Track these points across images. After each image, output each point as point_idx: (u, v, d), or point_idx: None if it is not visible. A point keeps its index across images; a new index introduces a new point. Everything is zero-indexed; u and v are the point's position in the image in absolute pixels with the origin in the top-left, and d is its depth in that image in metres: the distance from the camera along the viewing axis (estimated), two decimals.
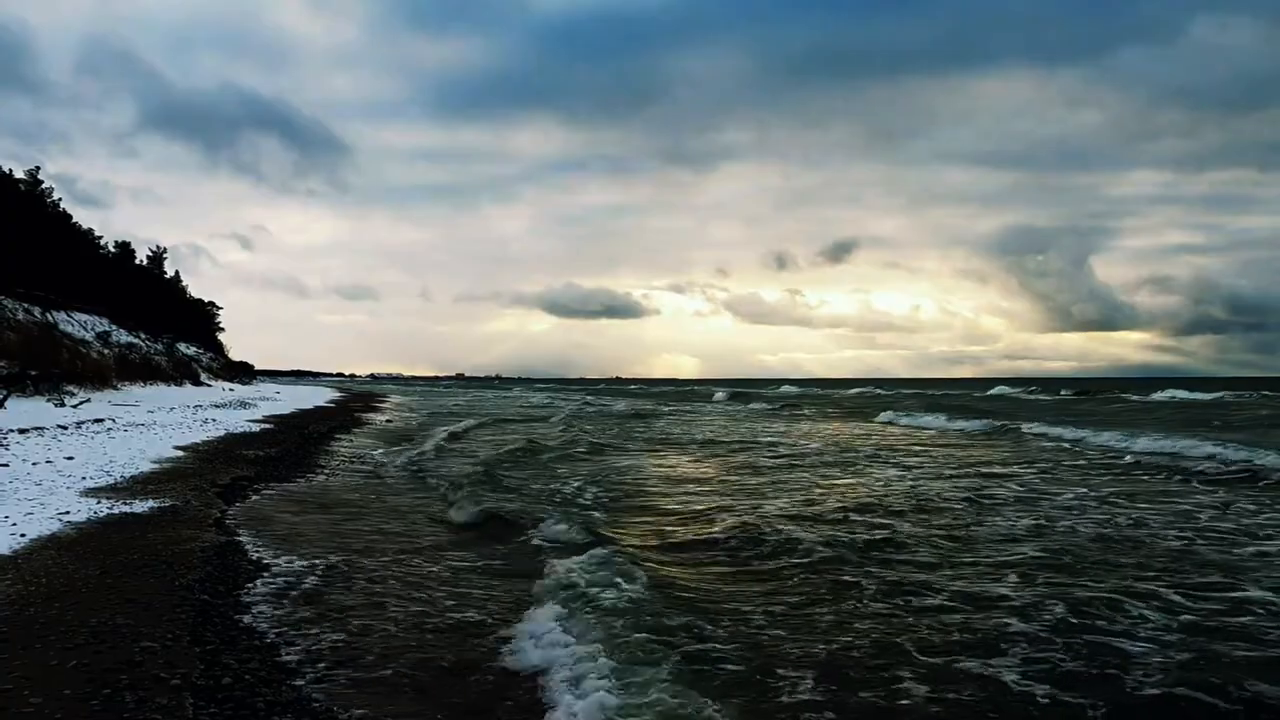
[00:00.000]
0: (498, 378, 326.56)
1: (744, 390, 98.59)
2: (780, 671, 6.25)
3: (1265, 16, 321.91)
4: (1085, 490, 15.46)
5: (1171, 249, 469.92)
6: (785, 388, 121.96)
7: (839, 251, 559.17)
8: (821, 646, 6.78)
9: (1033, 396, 74.83)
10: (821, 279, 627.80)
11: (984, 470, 18.99)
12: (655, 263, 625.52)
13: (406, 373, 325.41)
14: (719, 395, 77.66)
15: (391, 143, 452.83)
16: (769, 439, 29.11)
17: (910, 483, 16.91)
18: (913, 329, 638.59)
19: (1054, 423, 32.24)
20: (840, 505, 13.73)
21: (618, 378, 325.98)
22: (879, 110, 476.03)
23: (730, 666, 6.37)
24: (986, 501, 14.37)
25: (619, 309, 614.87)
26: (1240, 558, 9.90)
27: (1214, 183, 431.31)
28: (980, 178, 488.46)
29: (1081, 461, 20.69)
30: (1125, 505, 13.77)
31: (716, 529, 11.78)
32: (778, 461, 21.44)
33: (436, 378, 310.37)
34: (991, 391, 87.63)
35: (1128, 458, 20.93)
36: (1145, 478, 17.56)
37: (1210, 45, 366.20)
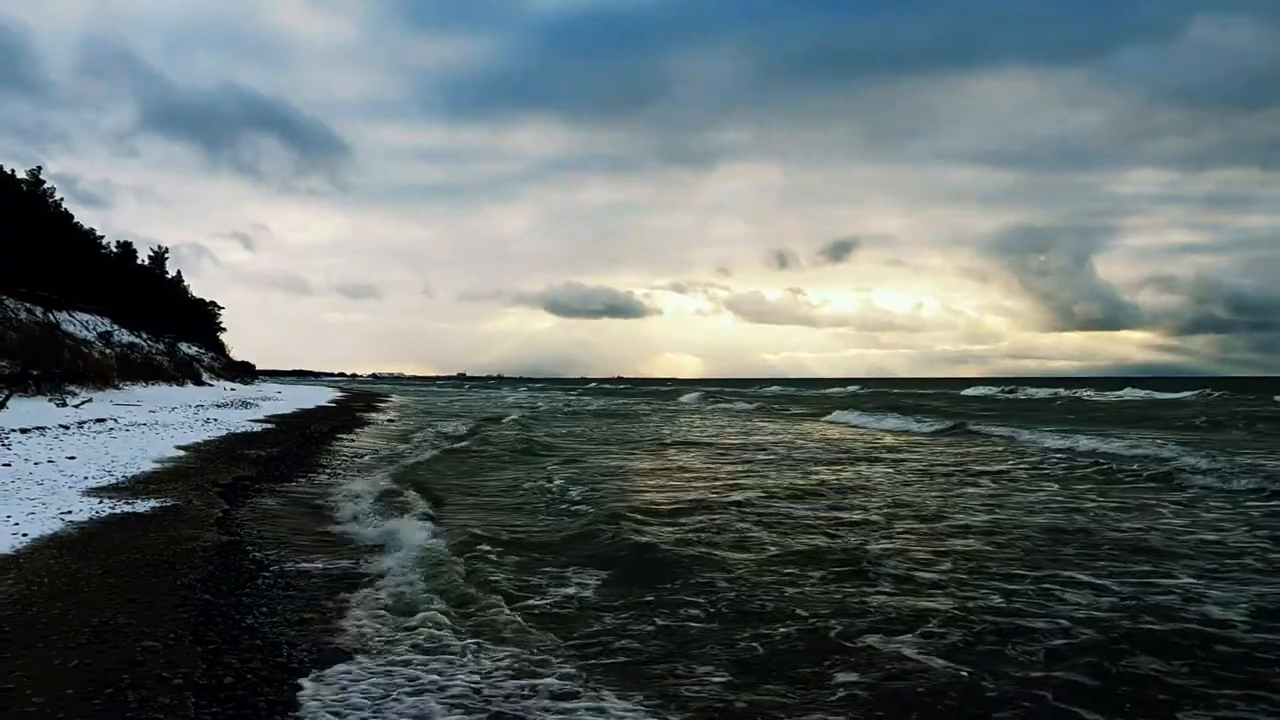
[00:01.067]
0: (499, 377, 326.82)
1: (731, 390, 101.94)
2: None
3: (1265, 15, 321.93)
4: (993, 482, 16.78)
5: (1174, 248, 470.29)
6: (774, 388, 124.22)
7: (840, 250, 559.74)
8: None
9: (1008, 396, 76.89)
10: (823, 278, 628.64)
11: (907, 464, 20.27)
12: (656, 262, 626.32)
13: (408, 372, 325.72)
14: (688, 396, 77.94)
15: (392, 142, 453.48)
16: (707, 437, 29.89)
17: (819, 477, 17.84)
18: (915, 328, 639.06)
19: (999, 421, 33.81)
20: (727, 500, 14.45)
21: (619, 377, 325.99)
22: (879, 110, 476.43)
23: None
24: (879, 491, 15.52)
25: (621, 308, 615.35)
26: (1139, 546, 10.50)
27: (1216, 182, 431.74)
28: (981, 177, 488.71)
29: (1015, 458, 21.47)
30: (1020, 497, 14.70)
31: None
32: (708, 457, 22.44)
33: (437, 377, 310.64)
34: (967, 391, 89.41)
35: (1057, 456, 21.58)
36: (1060, 473, 18.21)
37: (1210, 44, 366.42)
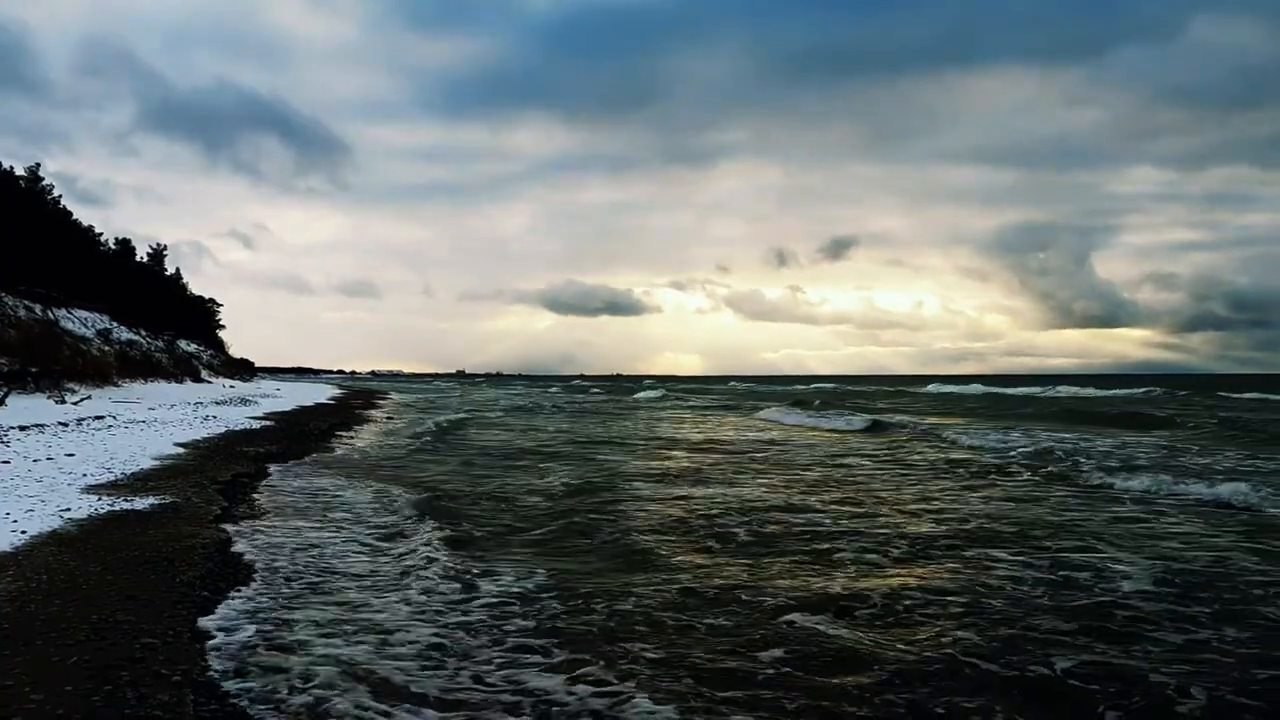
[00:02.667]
0: (498, 374, 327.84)
1: (698, 387, 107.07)
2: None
3: (1264, 15, 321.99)
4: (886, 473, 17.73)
5: (1173, 246, 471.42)
6: (747, 384, 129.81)
7: (839, 249, 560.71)
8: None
9: (963, 391, 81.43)
10: (823, 276, 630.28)
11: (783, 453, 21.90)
12: (656, 260, 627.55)
13: (407, 370, 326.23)
14: (643, 394, 78.81)
15: (391, 141, 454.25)
16: (618, 433, 30.60)
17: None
18: (916, 326, 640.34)
19: (920, 416, 37.07)
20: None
21: (617, 374, 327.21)
22: (878, 109, 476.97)
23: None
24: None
25: (620, 306, 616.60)
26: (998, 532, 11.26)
27: (1215, 180, 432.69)
28: (981, 176, 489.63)
29: (903, 451, 22.61)
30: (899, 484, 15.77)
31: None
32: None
33: (435, 375, 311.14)
34: (927, 388, 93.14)
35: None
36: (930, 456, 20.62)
37: (1209, 43, 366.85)
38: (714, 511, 12.55)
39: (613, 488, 15.17)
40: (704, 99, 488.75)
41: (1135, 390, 68.96)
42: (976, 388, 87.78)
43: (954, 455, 20.88)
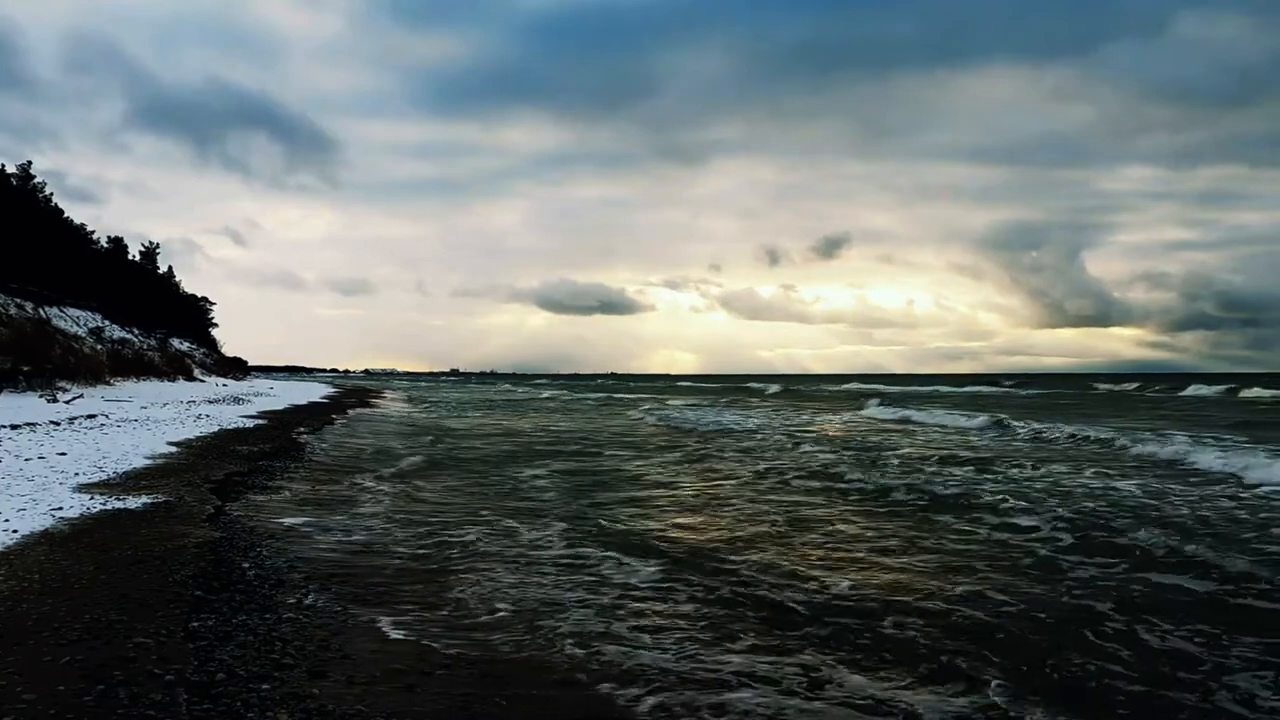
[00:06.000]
0: (492, 373, 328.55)
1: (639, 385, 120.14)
2: None
3: (1250, 11, 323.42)
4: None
5: (1164, 245, 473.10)
6: (687, 382, 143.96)
7: (831, 246, 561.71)
8: None
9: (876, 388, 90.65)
10: (816, 274, 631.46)
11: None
12: (649, 258, 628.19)
13: (402, 368, 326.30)
14: (553, 393, 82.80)
15: (382, 137, 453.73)
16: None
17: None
18: (910, 324, 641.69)
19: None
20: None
21: (613, 373, 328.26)
22: (870, 106, 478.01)
23: None
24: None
25: (614, 304, 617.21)
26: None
27: (1206, 178, 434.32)
28: (972, 173, 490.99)
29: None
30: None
31: None
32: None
33: (428, 373, 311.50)
34: (845, 386, 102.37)
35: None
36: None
37: (1197, 39, 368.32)
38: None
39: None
40: (696, 96, 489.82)
41: (1043, 390, 79.88)
42: (880, 386, 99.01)
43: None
